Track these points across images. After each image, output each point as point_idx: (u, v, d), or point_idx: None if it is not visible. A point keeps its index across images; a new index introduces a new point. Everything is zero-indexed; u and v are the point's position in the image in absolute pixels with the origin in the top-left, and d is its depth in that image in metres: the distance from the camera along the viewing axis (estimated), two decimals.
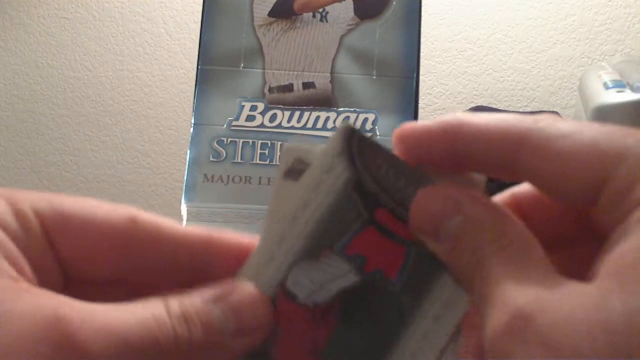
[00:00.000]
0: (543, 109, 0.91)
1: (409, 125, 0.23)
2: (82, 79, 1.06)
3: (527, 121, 0.20)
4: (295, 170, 0.22)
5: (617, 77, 0.63)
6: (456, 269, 0.20)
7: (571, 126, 0.20)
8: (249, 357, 0.22)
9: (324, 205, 0.22)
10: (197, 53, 0.65)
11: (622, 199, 0.18)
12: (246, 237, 0.23)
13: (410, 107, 0.62)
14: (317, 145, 0.22)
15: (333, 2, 0.64)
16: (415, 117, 0.62)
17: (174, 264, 0.23)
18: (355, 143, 0.22)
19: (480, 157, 0.21)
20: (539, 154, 0.20)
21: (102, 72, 1.06)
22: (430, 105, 0.98)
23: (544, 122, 0.20)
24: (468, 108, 0.86)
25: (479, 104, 0.92)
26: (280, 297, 0.22)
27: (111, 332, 0.19)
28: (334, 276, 0.22)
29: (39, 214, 0.22)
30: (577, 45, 0.97)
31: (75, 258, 0.22)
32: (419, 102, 0.64)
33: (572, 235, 0.22)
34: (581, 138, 0.19)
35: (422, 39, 0.63)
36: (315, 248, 0.22)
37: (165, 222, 0.23)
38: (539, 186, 0.21)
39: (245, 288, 0.22)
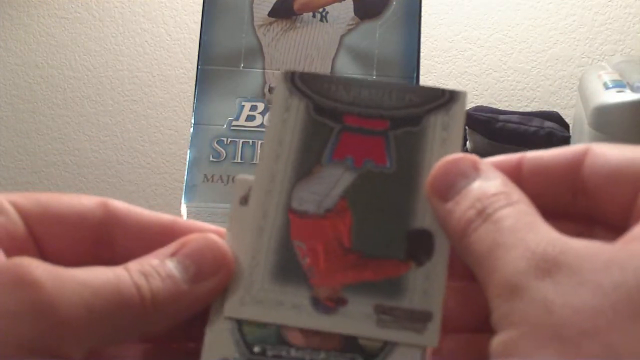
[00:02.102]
0: (543, 109, 0.91)
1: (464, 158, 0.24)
2: (82, 79, 1.06)
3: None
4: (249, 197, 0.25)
5: (617, 77, 0.63)
6: (457, 223, 0.21)
7: (618, 145, 0.22)
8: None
9: (297, 135, 0.25)
10: (197, 53, 0.65)
11: None
12: (211, 226, 0.25)
13: None
14: None
15: (333, 2, 0.64)
16: None
17: (143, 246, 0.23)
18: (298, 80, 0.25)
19: (542, 188, 0.23)
20: (598, 159, 0.22)
21: (102, 72, 1.06)
22: None
23: (596, 144, 0.22)
24: (468, 108, 0.87)
25: (479, 104, 0.93)
26: (293, 220, 0.24)
27: (76, 281, 0.20)
28: (333, 182, 0.24)
29: (16, 205, 0.23)
30: (577, 45, 0.97)
31: (54, 244, 0.23)
32: None
33: (562, 210, 0.24)
34: (629, 151, 0.21)
35: (422, 39, 0.63)
36: (306, 170, 0.24)
37: (134, 207, 0.25)
38: (596, 200, 0.22)
39: (196, 238, 0.23)
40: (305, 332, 0.23)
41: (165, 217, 0.25)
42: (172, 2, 1.05)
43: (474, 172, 0.22)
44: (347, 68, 0.63)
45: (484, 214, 0.21)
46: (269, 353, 0.23)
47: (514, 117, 0.80)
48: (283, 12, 0.65)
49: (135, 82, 1.05)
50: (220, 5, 0.65)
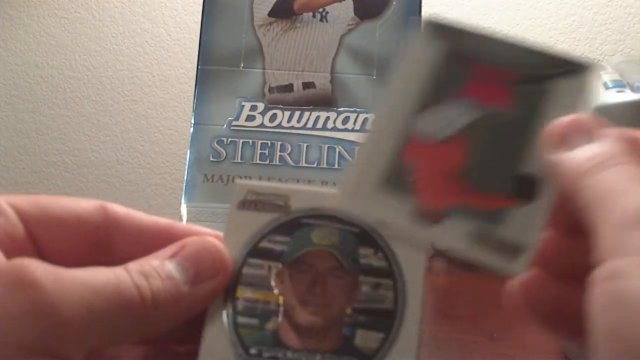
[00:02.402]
0: None
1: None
2: (82, 79, 1.06)
3: None
4: (248, 202, 0.25)
5: (617, 77, 0.63)
6: (578, 165, 0.22)
7: None
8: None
9: (427, 74, 0.26)
10: (197, 53, 0.65)
11: None
12: (208, 230, 0.25)
13: None
14: (267, 183, 0.26)
15: (333, 2, 0.64)
16: None
17: (141, 250, 0.23)
18: (438, 27, 0.28)
19: None
20: None
21: (102, 72, 1.06)
22: None
23: None
24: None
25: None
26: (410, 142, 0.25)
27: (77, 281, 0.21)
28: (456, 115, 0.25)
29: (15, 207, 0.23)
30: (577, 45, 0.97)
31: (53, 246, 0.24)
32: None
33: None
34: None
35: None
36: (432, 103, 0.26)
37: (132, 211, 0.25)
38: None
39: (195, 240, 0.24)
40: (302, 334, 0.24)
41: (162, 221, 0.25)
42: (172, 2, 1.05)
43: (599, 134, 0.23)
44: (347, 68, 0.63)
45: (608, 164, 0.22)
46: (265, 355, 0.23)
47: None
48: (283, 12, 0.65)
49: (135, 82, 1.05)
50: (220, 5, 0.65)
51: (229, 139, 0.62)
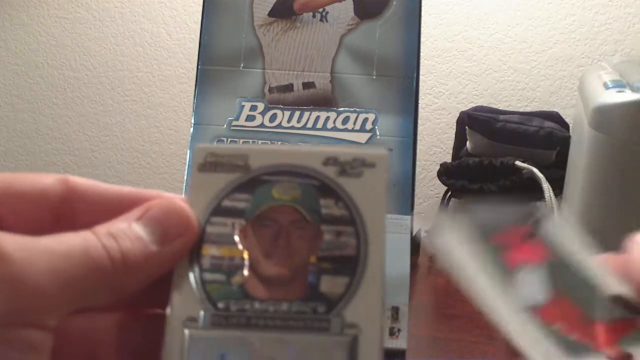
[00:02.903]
0: (543, 109, 0.91)
1: None
2: (82, 79, 1.06)
3: None
4: (208, 164, 0.26)
5: (617, 77, 0.63)
6: None
7: None
8: None
9: (478, 263, 0.27)
10: (197, 53, 0.65)
11: None
12: (170, 193, 0.25)
13: (410, 107, 0.62)
14: (226, 144, 0.26)
15: (333, 2, 0.64)
16: (416, 117, 0.62)
17: (105, 219, 0.24)
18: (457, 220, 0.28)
19: None
20: None
21: (102, 72, 1.06)
22: (430, 105, 0.98)
23: None
24: (468, 108, 0.87)
25: (479, 104, 0.93)
26: (536, 313, 0.26)
27: (44, 249, 0.21)
28: (534, 281, 0.27)
29: None
30: (577, 45, 0.97)
31: (15, 222, 0.23)
32: (419, 102, 0.63)
33: None
34: None
35: (422, 39, 0.63)
36: (506, 281, 0.27)
37: (95, 182, 0.25)
38: None
39: (160, 202, 0.24)
40: (268, 285, 0.24)
41: (126, 188, 0.25)
42: (172, 2, 1.05)
43: None
44: (347, 68, 0.63)
45: None
46: (233, 308, 0.24)
47: (514, 117, 0.80)
48: (283, 12, 0.65)
49: (135, 82, 1.05)
50: (220, 5, 0.65)
51: (229, 139, 0.62)
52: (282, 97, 0.63)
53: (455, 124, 0.88)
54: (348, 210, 0.25)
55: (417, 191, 0.77)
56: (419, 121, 0.64)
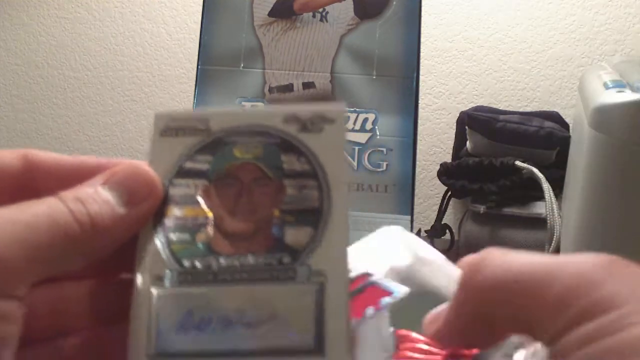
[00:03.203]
0: (543, 109, 0.91)
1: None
2: (82, 79, 1.06)
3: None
4: (170, 129, 0.26)
5: (617, 77, 0.63)
6: None
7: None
8: None
9: None
10: (197, 53, 0.65)
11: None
12: (132, 160, 0.25)
13: (410, 107, 0.62)
14: (185, 110, 0.26)
15: (333, 2, 0.64)
16: (415, 117, 0.62)
17: (69, 189, 0.24)
18: None
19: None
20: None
21: (102, 72, 1.06)
22: (430, 105, 0.98)
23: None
24: (468, 108, 0.86)
25: (479, 104, 0.92)
26: None
27: (6, 219, 0.21)
28: None
29: None
30: (577, 45, 0.97)
31: None
32: (419, 102, 0.64)
33: None
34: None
35: (422, 39, 0.63)
36: None
37: (56, 155, 0.25)
38: None
39: (124, 167, 0.24)
40: (232, 241, 0.24)
41: (86, 157, 0.25)
42: (172, 2, 1.05)
43: None
44: (347, 68, 0.63)
45: None
46: (198, 265, 0.24)
47: (514, 117, 0.80)
48: (283, 12, 0.65)
49: (135, 82, 1.05)
50: (220, 5, 0.65)
51: None
52: (282, 97, 0.63)
53: (455, 124, 0.88)
54: (310, 164, 0.25)
55: (417, 191, 0.77)
56: (419, 121, 0.64)
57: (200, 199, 0.25)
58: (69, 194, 0.23)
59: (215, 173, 0.25)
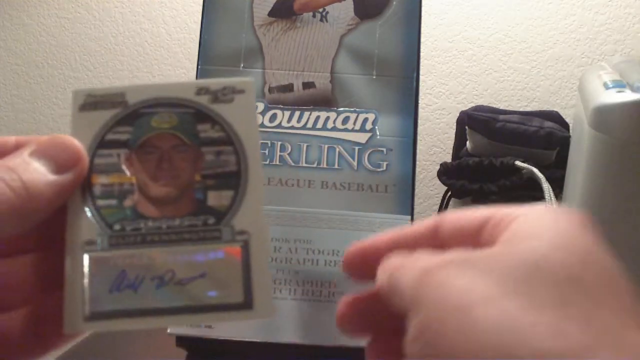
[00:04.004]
0: (543, 109, 0.91)
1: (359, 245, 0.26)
2: (82, 79, 1.06)
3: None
4: (88, 104, 0.27)
5: (617, 77, 0.63)
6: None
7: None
8: None
9: None
10: (197, 53, 0.65)
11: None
12: (62, 135, 0.27)
13: (410, 107, 0.62)
14: (101, 87, 0.28)
15: (333, 2, 0.64)
16: (416, 117, 0.62)
17: None
18: None
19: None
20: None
21: (102, 72, 1.06)
22: (430, 105, 0.98)
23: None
24: (468, 108, 0.87)
25: (479, 104, 0.93)
26: None
27: None
28: None
29: None
30: (577, 45, 0.97)
31: None
32: (419, 102, 0.63)
33: None
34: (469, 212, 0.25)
35: (422, 39, 0.63)
36: None
37: None
38: None
39: (49, 138, 0.26)
40: (158, 205, 0.26)
41: (6, 137, 0.27)
42: (172, 2, 1.05)
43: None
44: (347, 68, 0.63)
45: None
46: (128, 228, 0.25)
47: (514, 117, 0.80)
48: (283, 12, 0.65)
49: (135, 82, 1.05)
50: (220, 5, 0.65)
51: None
52: (282, 97, 0.62)
53: (455, 124, 0.88)
54: (224, 132, 0.27)
55: (417, 191, 0.77)
56: (419, 121, 0.64)
57: (124, 167, 0.27)
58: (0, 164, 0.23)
59: (135, 142, 0.27)
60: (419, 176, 0.91)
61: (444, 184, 0.82)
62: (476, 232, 0.24)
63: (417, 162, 0.64)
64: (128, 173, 0.26)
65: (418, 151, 0.66)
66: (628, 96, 0.57)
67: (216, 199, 0.26)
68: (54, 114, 1.06)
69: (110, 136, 0.27)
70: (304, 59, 0.64)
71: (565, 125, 0.82)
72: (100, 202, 0.26)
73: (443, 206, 0.82)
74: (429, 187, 0.96)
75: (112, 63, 1.06)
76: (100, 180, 0.26)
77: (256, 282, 0.24)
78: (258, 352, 0.53)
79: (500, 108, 0.89)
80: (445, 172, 0.81)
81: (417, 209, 0.89)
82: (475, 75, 0.98)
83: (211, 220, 0.25)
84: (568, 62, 0.96)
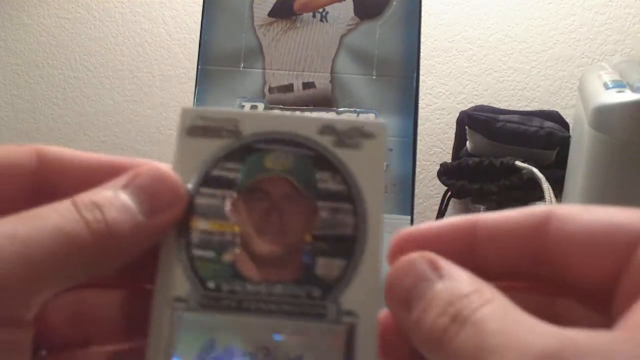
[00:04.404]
0: (543, 109, 0.91)
1: (411, 231, 0.22)
2: (82, 79, 1.06)
3: (541, 208, 0.20)
4: (196, 128, 0.24)
5: (617, 77, 0.63)
6: (429, 332, 0.19)
7: (585, 207, 0.20)
8: None
9: None
10: (197, 53, 0.65)
11: None
12: (155, 162, 0.23)
13: (410, 107, 0.62)
14: (213, 108, 0.25)
15: (333, 2, 0.64)
16: (415, 117, 0.62)
17: (86, 188, 0.22)
18: None
19: (501, 255, 0.21)
20: (568, 225, 0.19)
21: (102, 72, 1.06)
22: (430, 105, 0.98)
23: (557, 207, 0.20)
24: (468, 108, 0.86)
25: (479, 104, 0.93)
26: None
27: (6, 236, 0.19)
28: None
29: None
30: (577, 45, 0.97)
31: None
32: (419, 102, 0.64)
33: (521, 279, 0.22)
34: (602, 214, 0.19)
35: (422, 39, 0.63)
36: None
37: (72, 151, 0.23)
38: (565, 267, 0.20)
39: (148, 170, 0.22)
40: (260, 265, 0.23)
41: (105, 157, 0.24)
42: (172, 2, 1.05)
43: (434, 272, 0.20)
44: (347, 68, 0.63)
45: (460, 319, 0.18)
46: (224, 288, 0.22)
47: (514, 117, 0.80)
48: (283, 12, 0.65)
49: (135, 82, 1.05)
50: (220, 5, 0.65)
51: None
52: (282, 97, 0.62)
53: (455, 124, 0.88)
54: (346, 184, 0.23)
55: (417, 191, 0.77)
56: (419, 121, 0.64)
57: (227, 212, 0.23)
58: (85, 198, 0.21)
59: (244, 184, 0.24)
60: (419, 176, 0.91)
61: (444, 184, 0.82)
62: (532, 236, 0.20)
63: (417, 162, 0.64)
64: (232, 221, 0.23)
65: (418, 151, 0.66)
66: (628, 96, 0.57)
67: (326, 267, 0.22)
68: (54, 114, 1.06)
69: (217, 172, 0.23)
70: (304, 59, 0.63)
71: (565, 125, 0.82)
72: (197, 252, 0.23)
73: (443, 206, 0.82)
74: (429, 187, 0.96)
75: (112, 63, 1.06)
76: (199, 225, 0.23)
77: None
78: None
79: (500, 108, 0.89)
80: (445, 172, 0.81)
81: (417, 209, 0.89)
82: (475, 75, 0.98)
83: (316, 293, 0.22)
84: (568, 62, 0.96)
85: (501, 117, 0.79)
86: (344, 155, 0.23)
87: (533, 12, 0.97)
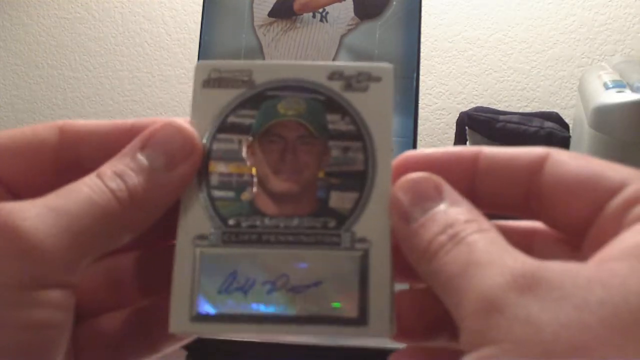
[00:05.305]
0: (543, 109, 0.91)
1: (415, 153, 0.24)
2: (82, 79, 1.06)
3: (539, 148, 0.22)
4: (212, 80, 0.25)
5: (617, 77, 0.63)
6: (425, 245, 0.21)
7: (581, 155, 0.22)
8: None
9: None
10: (197, 53, 0.65)
11: (622, 215, 0.19)
12: (172, 118, 0.24)
13: (410, 107, 0.62)
14: (228, 60, 0.26)
15: (333, 2, 0.64)
16: (416, 117, 0.62)
17: (109, 155, 0.23)
18: None
19: (497, 186, 0.23)
20: (560, 167, 0.21)
21: (102, 72, 1.06)
22: (430, 106, 0.98)
23: (555, 151, 0.22)
24: (468, 108, 0.87)
25: (479, 104, 0.93)
26: None
27: (50, 210, 0.21)
28: None
29: None
30: (577, 45, 0.97)
31: (19, 179, 0.24)
32: (419, 102, 0.63)
33: (511, 212, 0.24)
34: (593, 163, 0.21)
35: (422, 39, 0.63)
36: None
37: (91, 122, 0.24)
38: (551, 206, 0.22)
39: (162, 127, 0.23)
40: (277, 201, 0.24)
41: (121, 121, 0.25)
42: (172, 2, 1.05)
43: (438, 194, 0.22)
44: None
45: (456, 239, 0.20)
46: (244, 224, 0.24)
47: (514, 117, 0.80)
48: (283, 12, 0.65)
49: (135, 82, 1.05)
50: (220, 5, 0.65)
51: None
52: None
53: (455, 124, 0.88)
54: (355, 125, 0.25)
55: None
56: (419, 121, 0.64)
57: (244, 155, 0.25)
58: (107, 170, 0.22)
59: (259, 129, 0.25)
60: None
61: None
62: (528, 172, 0.22)
63: None
64: (248, 163, 0.25)
65: None
66: (628, 96, 0.57)
67: (339, 200, 0.24)
68: (53, 115, 1.06)
69: (233, 119, 0.25)
70: (304, 59, 0.63)
71: (565, 125, 0.82)
72: (217, 194, 0.24)
73: None
74: None
75: (112, 63, 1.06)
76: (218, 168, 0.24)
77: (373, 296, 0.22)
78: (258, 352, 0.53)
79: (500, 108, 0.89)
80: None
81: None
82: (475, 75, 0.98)
83: (331, 224, 0.24)
84: (568, 62, 0.96)
85: (501, 117, 0.80)
86: (353, 98, 0.25)
87: (533, 12, 0.97)
